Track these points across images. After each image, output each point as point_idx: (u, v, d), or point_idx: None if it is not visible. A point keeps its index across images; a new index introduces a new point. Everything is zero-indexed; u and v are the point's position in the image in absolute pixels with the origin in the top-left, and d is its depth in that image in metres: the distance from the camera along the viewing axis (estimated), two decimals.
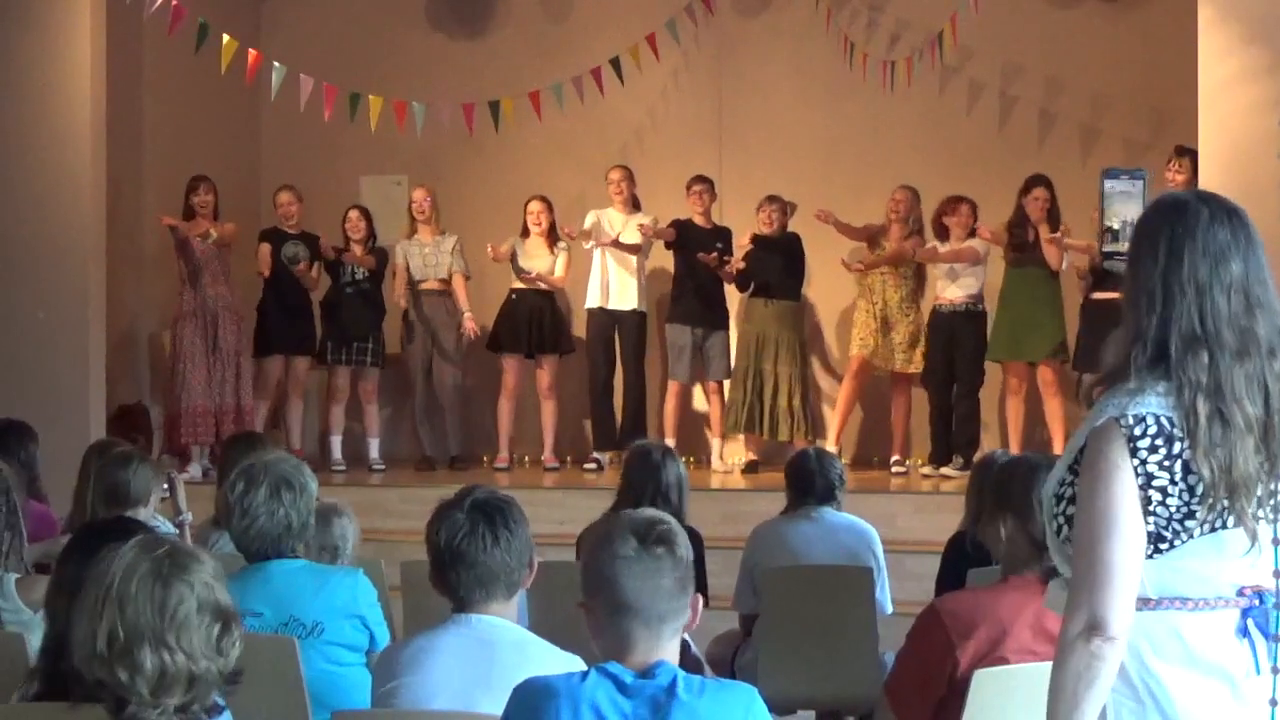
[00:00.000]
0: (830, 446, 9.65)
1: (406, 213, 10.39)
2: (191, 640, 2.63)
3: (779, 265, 9.76)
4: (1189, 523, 2.50)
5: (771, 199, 9.85)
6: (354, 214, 10.21)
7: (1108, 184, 2.77)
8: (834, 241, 9.86)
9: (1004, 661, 3.50)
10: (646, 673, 2.73)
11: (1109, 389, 2.56)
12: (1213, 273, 2.53)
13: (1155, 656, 2.52)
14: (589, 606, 2.78)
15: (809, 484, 5.90)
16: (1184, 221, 2.56)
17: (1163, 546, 2.50)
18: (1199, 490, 2.48)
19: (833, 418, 10.04)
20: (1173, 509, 2.49)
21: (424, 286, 10.26)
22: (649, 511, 2.91)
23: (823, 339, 10.68)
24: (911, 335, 9.61)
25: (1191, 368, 2.50)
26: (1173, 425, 2.49)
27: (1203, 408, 2.48)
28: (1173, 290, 2.53)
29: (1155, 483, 2.48)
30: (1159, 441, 2.48)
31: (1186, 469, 2.49)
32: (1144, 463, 2.48)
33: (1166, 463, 2.48)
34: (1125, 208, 2.78)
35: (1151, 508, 2.49)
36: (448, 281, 10.25)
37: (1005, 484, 3.70)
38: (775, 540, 5.87)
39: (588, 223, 10.07)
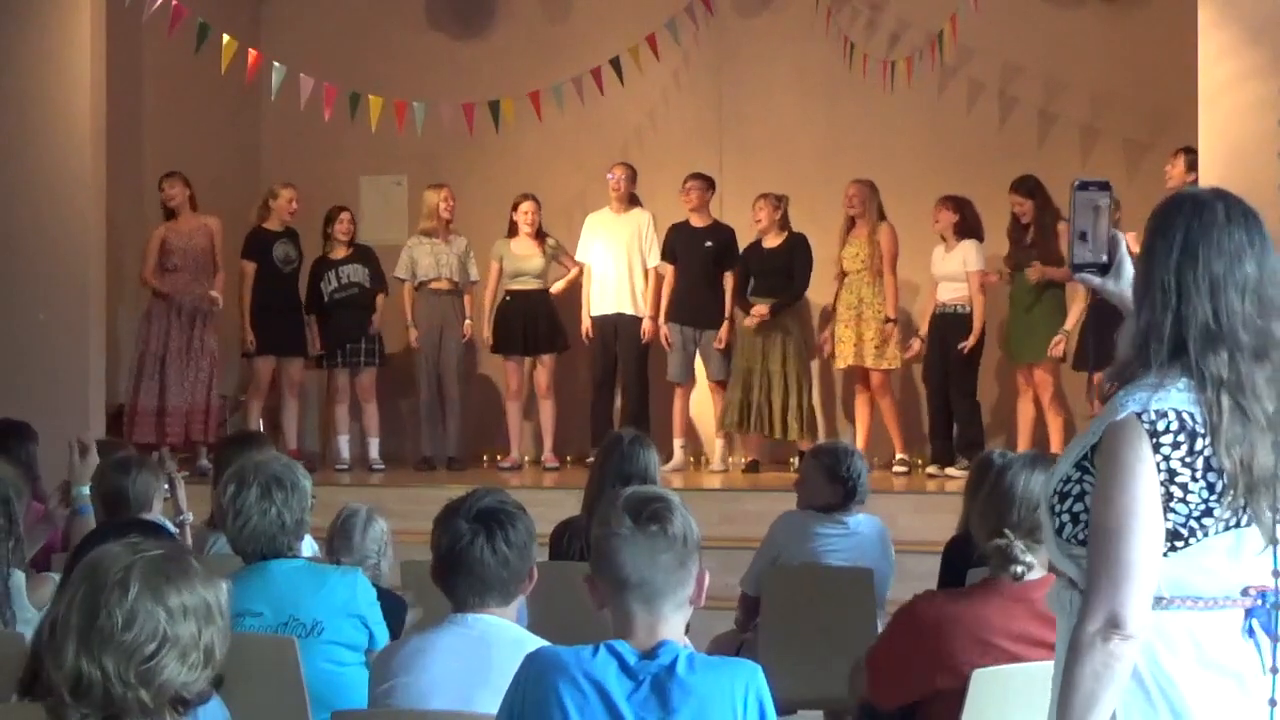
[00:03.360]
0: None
1: (431, 212, 10.25)
2: (111, 658, 2.48)
3: (782, 271, 9.73)
4: (1206, 520, 2.48)
5: (763, 196, 9.79)
6: (346, 216, 10.25)
7: (1079, 195, 2.75)
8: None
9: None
10: (650, 653, 2.79)
11: (1124, 384, 2.54)
12: (1228, 271, 2.52)
13: (1169, 656, 2.50)
14: (596, 585, 2.86)
15: (854, 485, 5.76)
16: (1201, 218, 2.55)
17: (1179, 544, 2.49)
18: (1218, 487, 2.47)
19: (856, 426, 9.90)
20: (1192, 506, 2.48)
21: (433, 285, 10.23)
22: (648, 489, 2.98)
23: (815, 337, 10.66)
24: (882, 332, 9.58)
25: (1213, 363, 2.49)
26: (1194, 421, 2.48)
27: (1225, 402, 2.48)
28: (1187, 285, 2.52)
29: (1177, 479, 2.47)
30: (1181, 437, 2.47)
31: (1207, 466, 2.47)
32: (1167, 459, 2.47)
33: (1188, 459, 2.47)
34: (1095, 220, 2.75)
35: (1172, 504, 2.47)
36: (457, 281, 10.25)
37: (997, 485, 3.64)
38: (805, 536, 5.76)
39: (582, 242, 10.17)
